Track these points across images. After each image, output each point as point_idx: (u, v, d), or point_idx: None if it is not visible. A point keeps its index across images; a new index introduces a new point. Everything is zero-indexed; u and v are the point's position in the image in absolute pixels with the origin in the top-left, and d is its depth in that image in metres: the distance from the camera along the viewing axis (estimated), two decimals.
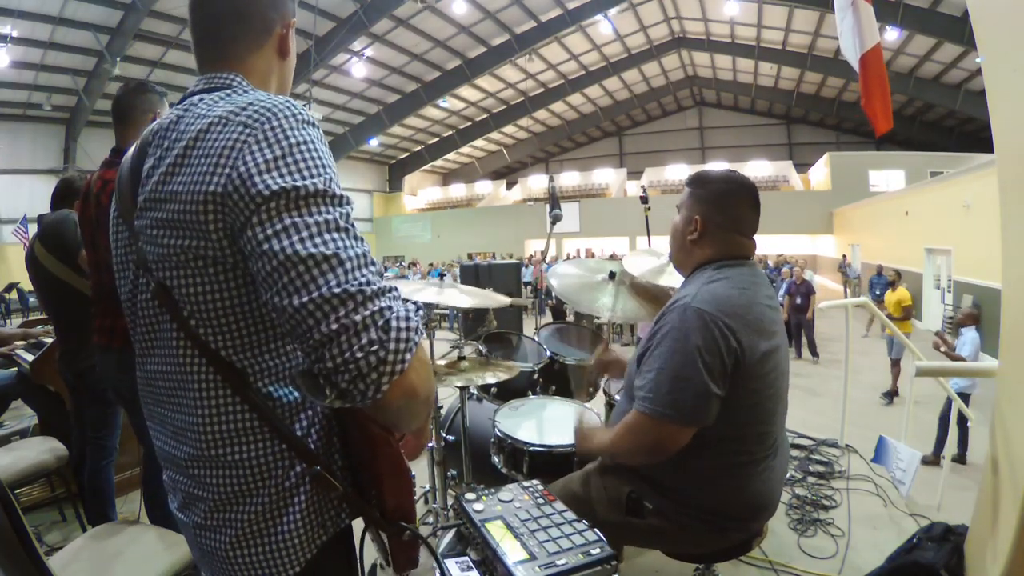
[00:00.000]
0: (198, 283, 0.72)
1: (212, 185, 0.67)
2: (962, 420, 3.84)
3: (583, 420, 1.57)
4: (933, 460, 3.85)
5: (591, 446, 1.46)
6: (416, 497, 2.73)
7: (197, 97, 0.79)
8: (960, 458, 3.99)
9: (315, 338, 0.62)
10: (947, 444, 3.69)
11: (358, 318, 0.62)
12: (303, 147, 0.69)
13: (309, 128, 0.71)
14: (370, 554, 0.89)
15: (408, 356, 0.63)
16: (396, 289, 0.68)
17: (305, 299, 0.62)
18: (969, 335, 4.31)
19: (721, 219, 1.39)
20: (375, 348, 0.61)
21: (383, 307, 0.63)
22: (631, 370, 1.43)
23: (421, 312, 0.68)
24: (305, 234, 0.64)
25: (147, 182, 0.76)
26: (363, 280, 0.64)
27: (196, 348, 0.75)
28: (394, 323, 0.63)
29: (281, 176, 0.66)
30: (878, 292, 9.22)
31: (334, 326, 0.61)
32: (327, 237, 0.65)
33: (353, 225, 0.69)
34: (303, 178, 0.67)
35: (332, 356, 0.61)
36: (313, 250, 0.63)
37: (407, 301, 0.68)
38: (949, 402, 3.70)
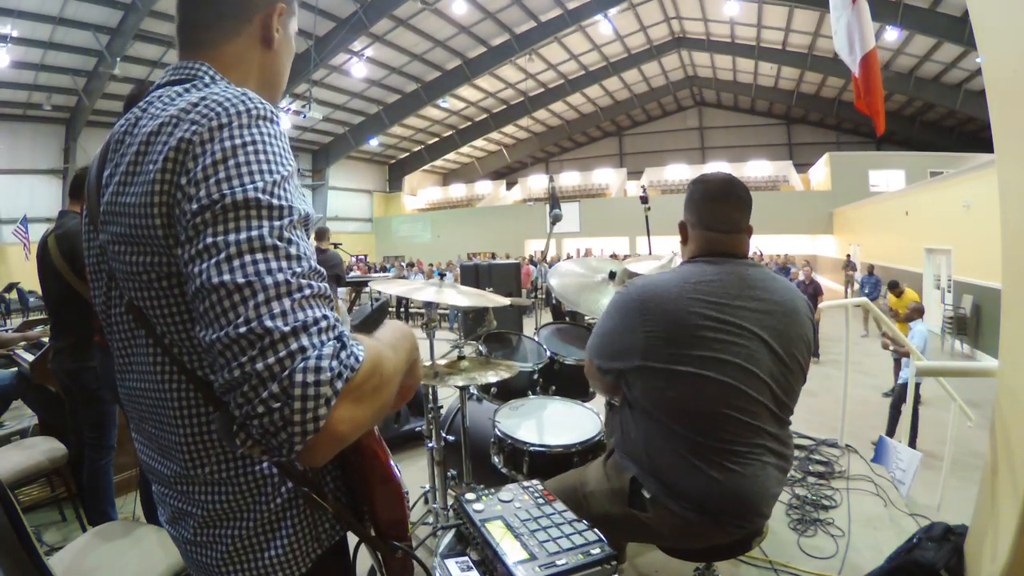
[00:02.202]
0: (164, 303, 0.68)
1: (160, 195, 0.62)
2: (914, 411, 4.35)
3: None
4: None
5: None
6: (416, 497, 2.73)
7: (159, 92, 0.73)
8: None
9: (219, 383, 0.55)
10: (917, 433, 3.90)
11: (260, 367, 0.53)
12: (248, 148, 0.62)
13: (263, 124, 0.65)
14: (367, 557, 0.89)
15: (323, 412, 0.54)
16: (327, 318, 0.58)
17: (214, 336, 0.55)
18: (917, 328, 4.52)
19: (694, 219, 1.47)
20: (278, 405, 0.53)
21: (292, 351, 0.54)
22: None
23: (351, 353, 0.58)
24: (222, 256, 0.56)
25: (105, 191, 0.70)
26: (276, 313, 0.55)
27: (174, 366, 0.70)
28: (299, 377, 0.53)
29: (209, 185, 0.59)
30: (867, 291, 9.24)
31: (236, 373, 0.54)
32: (247, 260, 0.56)
33: (292, 240, 0.60)
34: (232, 187, 0.59)
35: (238, 405, 0.54)
36: (227, 277, 0.55)
37: (342, 336, 0.58)
38: (900, 391, 4.25)
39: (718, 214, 1.44)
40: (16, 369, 3.05)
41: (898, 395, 4.49)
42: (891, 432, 4.28)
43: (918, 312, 4.82)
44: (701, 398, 1.30)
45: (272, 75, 0.85)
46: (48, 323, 3.24)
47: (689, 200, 1.49)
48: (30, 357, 2.96)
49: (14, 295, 13.65)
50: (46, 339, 3.07)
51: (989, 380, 1.81)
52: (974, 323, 8.46)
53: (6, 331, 3.19)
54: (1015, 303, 1.61)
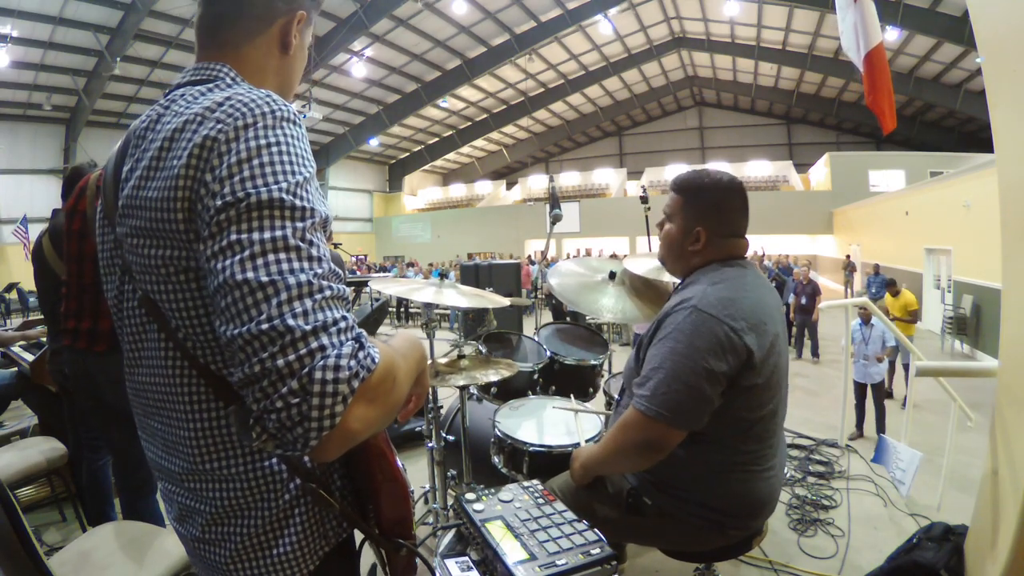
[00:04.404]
0: (181, 298, 0.68)
1: (183, 190, 0.64)
2: (880, 405, 4.58)
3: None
4: (857, 435, 4.45)
5: (581, 460, 1.43)
6: (416, 497, 2.73)
7: (180, 91, 0.74)
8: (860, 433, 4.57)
9: (237, 377, 0.57)
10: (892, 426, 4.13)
11: (281, 363, 0.54)
12: (272, 149, 0.63)
13: (287, 126, 0.66)
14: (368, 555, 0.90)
15: (340, 408, 0.56)
16: (346, 319, 0.60)
17: (235, 331, 0.57)
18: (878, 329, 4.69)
19: (721, 228, 1.41)
20: (296, 401, 0.54)
21: (312, 349, 0.55)
22: (629, 368, 1.43)
23: (368, 354, 0.59)
24: (247, 254, 0.58)
25: (125, 186, 0.72)
26: (298, 313, 0.56)
27: (185, 360, 0.71)
28: (318, 374, 0.55)
29: (234, 183, 0.60)
30: (874, 291, 9.20)
31: (256, 368, 0.55)
32: (270, 259, 0.58)
33: (313, 241, 0.62)
34: (256, 187, 0.60)
35: (256, 399, 0.56)
36: (250, 275, 0.57)
37: (360, 337, 0.60)
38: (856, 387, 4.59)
39: (746, 223, 1.44)
40: (16, 369, 3.05)
41: (878, 394, 4.62)
42: (881, 428, 4.33)
43: (867, 317, 4.77)
44: (762, 411, 1.30)
45: (285, 82, 0.86)
46: (46, 323, 3.24)
47: (721, 206, 1.40)
48: (30, 357, 2.95)
49: (14, 295, 13.64)
50: (45, 339, 3.07)
51: (989, 381, 1.81)
52: (974, 323, 8.45)
53: (6, 331, 3.18)
54: (1015, 303, 1.61)
